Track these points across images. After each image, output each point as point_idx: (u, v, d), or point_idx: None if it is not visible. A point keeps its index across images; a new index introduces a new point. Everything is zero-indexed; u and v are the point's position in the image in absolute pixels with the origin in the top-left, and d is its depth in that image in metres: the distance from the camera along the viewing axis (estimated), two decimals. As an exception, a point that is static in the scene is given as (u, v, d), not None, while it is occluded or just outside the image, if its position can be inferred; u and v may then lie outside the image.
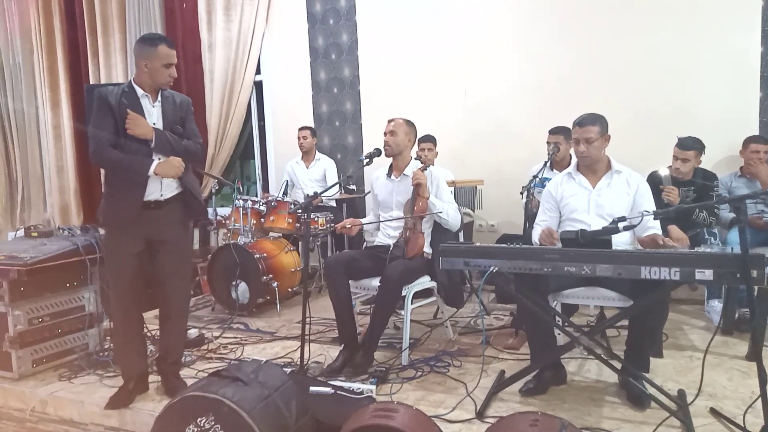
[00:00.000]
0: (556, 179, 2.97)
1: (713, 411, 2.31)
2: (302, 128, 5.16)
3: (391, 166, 3.32)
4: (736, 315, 3.31)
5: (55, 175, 6.44)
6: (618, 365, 2.47)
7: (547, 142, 3.93)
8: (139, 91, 2.56)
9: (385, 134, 3.22)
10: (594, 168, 2.81)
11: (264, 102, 5.76)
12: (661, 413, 2.21)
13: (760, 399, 1.99)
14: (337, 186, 4.77)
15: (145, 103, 2.57)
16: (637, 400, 2.41)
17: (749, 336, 3.02)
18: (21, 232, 3.39)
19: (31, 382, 2.94)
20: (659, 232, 2.64)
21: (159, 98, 2.61)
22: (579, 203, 2.80)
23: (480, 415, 2.35)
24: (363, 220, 3.38)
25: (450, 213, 3.14)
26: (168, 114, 2.61)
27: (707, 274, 2.02)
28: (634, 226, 2.47)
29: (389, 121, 3.23)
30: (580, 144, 2.73)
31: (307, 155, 5.18)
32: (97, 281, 3.18)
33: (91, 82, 5.99)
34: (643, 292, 2.35)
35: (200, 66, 5.64)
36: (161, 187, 2.59)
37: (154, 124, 2.56)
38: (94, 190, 6.22)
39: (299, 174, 5.17)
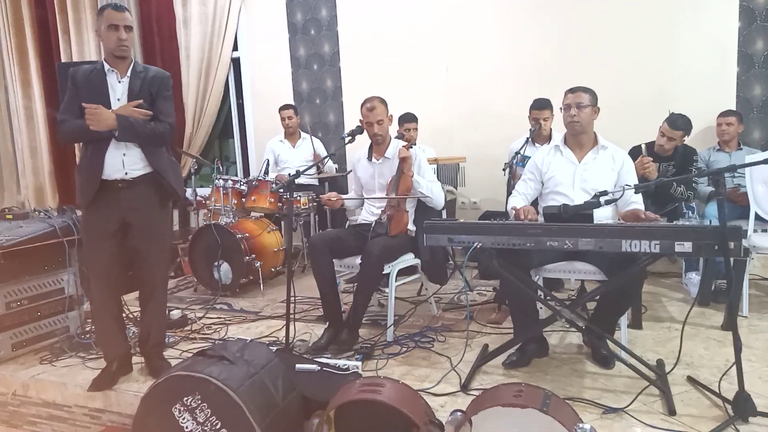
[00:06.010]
0: (543, 150, 2.97)
1: (690, 379, 2.38)
2: (286, 107, 4.99)
3: (371, 148, 3.28)
4: (713, 287, 3.40)
5: (28, 156, 6.29)
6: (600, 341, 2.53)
7: (534, 118, 3.82)
8: (106, 67, 2.49)
9: (370, 124, 3.09)
10: (581, 142, 2.81)
11: (242, 79, 5.64)
12: (641, 382, 2.26)
13: (734, 366, 2.05)
14: (329, 160, 4.82)
15: (112, 79, 2.50)
16: (603, 359, 2.56)
17: (725, 307, 3.10)
18: (-5, 215, 3.31)
19: (12, 366, 2.90)
20: (641, 206, 2.68)
21: (129, 73, 2.52)
22: (564, 177, 2.81)
23: (465, 387, 2.38)
24: (345, 196, 3.35)
25: (434, 191, 3.13)
26: (134, 90, 2.51)
27: (686, 247, 2.06)
28: (616, 200, 2.50)
29: (369, 110, 3.06)
30: (571, 109, 2.70)
31: (292, 135, 5.05)
32: (75, 263, 3.13)
33: (63, 60, 5.82)
34: (622, 264, 2.38)
35: (176, 42, 5.52)
36: (123, 165, 2.51)
37: (118, 100, 2.49)
38: (69, 171, 6.07)
39: (285, 154, 5.02)
